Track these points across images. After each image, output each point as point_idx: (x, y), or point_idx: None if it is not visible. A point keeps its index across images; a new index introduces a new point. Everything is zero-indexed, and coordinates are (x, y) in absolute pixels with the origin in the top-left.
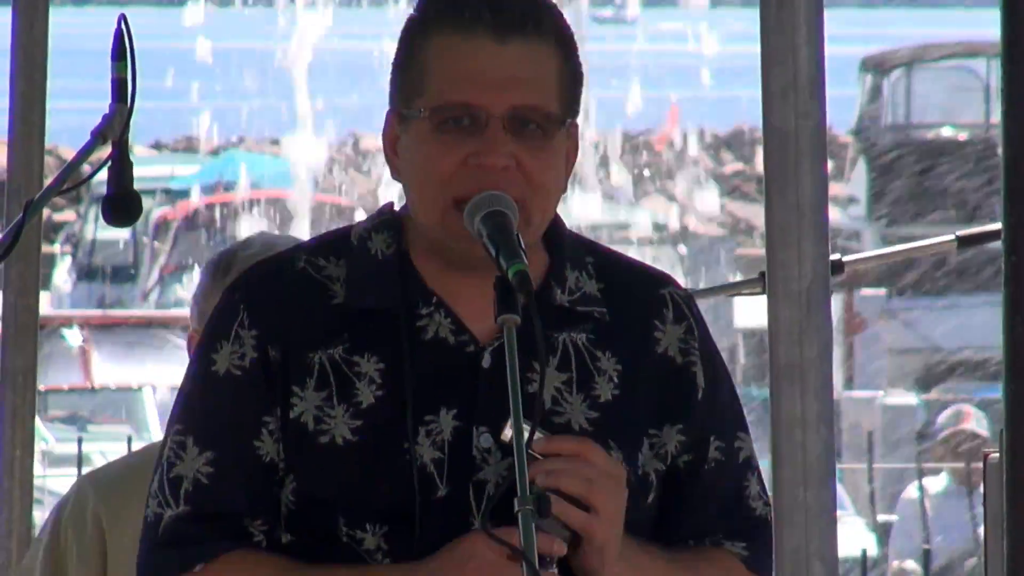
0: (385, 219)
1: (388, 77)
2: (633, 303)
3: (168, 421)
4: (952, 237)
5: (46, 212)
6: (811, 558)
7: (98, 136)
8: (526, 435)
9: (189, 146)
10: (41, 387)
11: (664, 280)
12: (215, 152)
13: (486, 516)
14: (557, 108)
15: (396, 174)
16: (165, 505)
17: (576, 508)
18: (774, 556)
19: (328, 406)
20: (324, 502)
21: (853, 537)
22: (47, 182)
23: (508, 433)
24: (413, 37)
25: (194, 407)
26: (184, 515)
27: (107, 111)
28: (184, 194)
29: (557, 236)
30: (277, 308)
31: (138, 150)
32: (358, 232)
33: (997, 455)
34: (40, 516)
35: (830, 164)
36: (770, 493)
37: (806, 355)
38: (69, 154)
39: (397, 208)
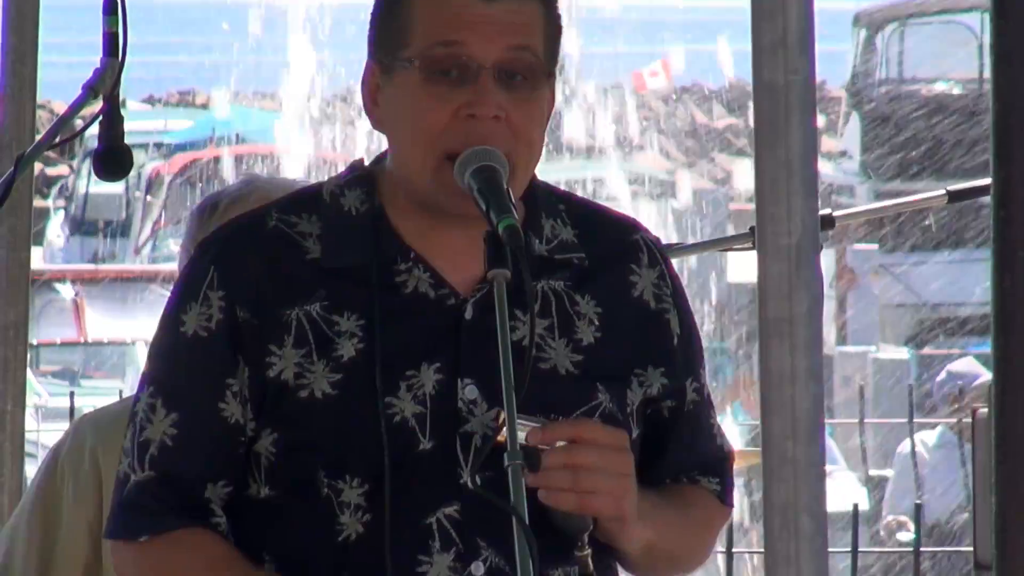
0: (357, 175)
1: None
2: (609, 247)
3: (140, 379)
4: (943, 192)
5: (39, 166)
6: (800, 512)
7: (89, 90)
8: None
9: (182, 100)
10: (33, 341)
11: (635, 226)
12: (208, 106)
13: (475, 469)
14: (543, 60)
15: (377, 125)
16: (131, 469)
17: (573, 496)
18: (763, 510)
19: (308, 362)
20: (305, 453)
21: (845, 492)
22: (39, 137)
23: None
24: None
25: (163, 368)
26: (146, 481)
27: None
28: (177, 148)
29: (530, 186)
30: (248, 268)
31: (131, 104)
32: (329, 189)
33: (986, 410)
34: (32, 471)
35: (823, 119)
36: (759, 448)
37: (795, 310)
38: (63, 109)
39: (367, 163)
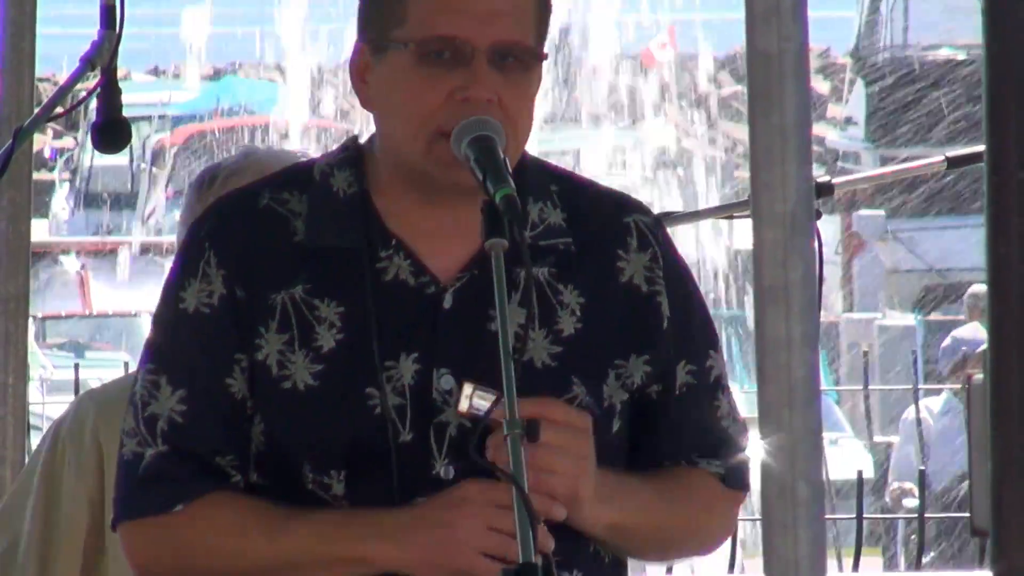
0: (348, 155)
1: None
2: (597, 232)
3: (140, 358)
4: (942, 158)
5: (44, 140)
6: (797, 480)
7: (87, 63)
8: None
9: (186, 72)
10: (39, 314)
11: (630, 207)
12: (212, 78)
13: (473, 451)
14: (534, 41)
15: (366, 103)
16: (145, 444)
17: (530, 473)
18: (760, 479)
19: (289, 351)
20: (289, 448)
21: (851, 459)
22: (38, 109)
23: (464, 405)
24: None
25: (165, 345)
26: (166, 453)
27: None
28: (181, 120)
29: (520, 167)
30: (241, 247)
31: (135, 76)
32: (320, 167)
33: (981, 376)
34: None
35: (828, 86)
36: (756, 415)
37: (790, 277)
38: None
39: (362, 142)
